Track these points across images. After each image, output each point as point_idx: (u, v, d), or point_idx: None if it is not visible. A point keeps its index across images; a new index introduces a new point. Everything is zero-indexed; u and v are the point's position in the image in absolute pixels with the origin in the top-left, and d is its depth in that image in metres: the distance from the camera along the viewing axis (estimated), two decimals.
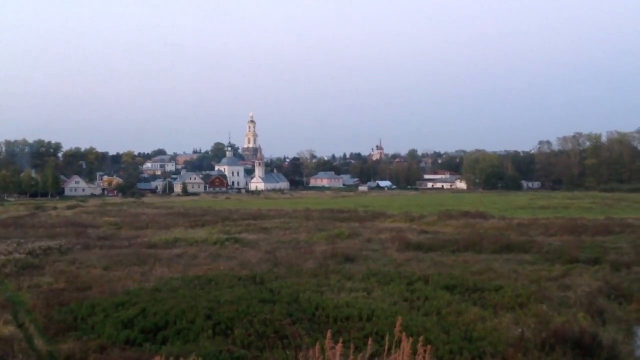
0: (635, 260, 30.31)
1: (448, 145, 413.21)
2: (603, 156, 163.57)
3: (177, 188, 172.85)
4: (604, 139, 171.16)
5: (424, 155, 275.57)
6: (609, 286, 24.07)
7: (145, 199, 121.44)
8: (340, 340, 8.95)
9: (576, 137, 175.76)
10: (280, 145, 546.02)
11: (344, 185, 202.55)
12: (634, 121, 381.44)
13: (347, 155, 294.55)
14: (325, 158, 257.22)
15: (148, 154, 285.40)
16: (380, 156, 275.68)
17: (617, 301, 22.37)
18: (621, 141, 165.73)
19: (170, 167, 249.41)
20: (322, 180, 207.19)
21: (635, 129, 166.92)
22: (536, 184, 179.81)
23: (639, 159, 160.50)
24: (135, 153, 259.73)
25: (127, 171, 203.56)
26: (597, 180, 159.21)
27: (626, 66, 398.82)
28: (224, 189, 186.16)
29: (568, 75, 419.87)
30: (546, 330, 15.94)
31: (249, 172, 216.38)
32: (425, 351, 7.54)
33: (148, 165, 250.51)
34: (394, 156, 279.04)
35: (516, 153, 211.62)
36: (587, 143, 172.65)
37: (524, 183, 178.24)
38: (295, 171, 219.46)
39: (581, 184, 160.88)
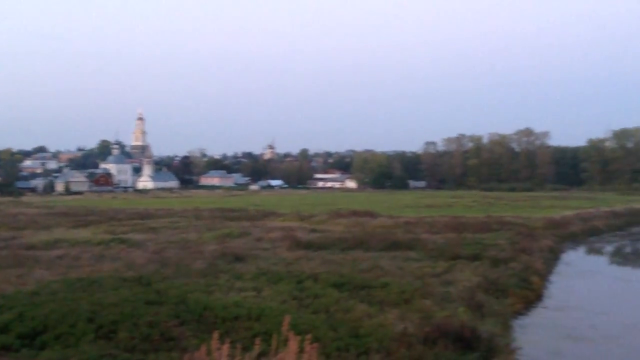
0: (512, 256, 31.96)
1: (339, 145, 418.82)
2: (484, 157, 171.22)
3: (60, 187, 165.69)
4: (485, 140, 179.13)
5: (316, 155, 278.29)
6: (487, 281, 25.25)
7: (24, 199, 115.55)
8: (227, 340, 8.89)
9: (460, 138, 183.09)
10: (170, 144, 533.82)
11: (235, 184, 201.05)
12: (513, 123, 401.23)
13: (239, 154, 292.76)
14: (217, 157, 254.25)
15: (28, 151, 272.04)
16: (272, 155, 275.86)
17: (495, 295, 23.52)
18: (501, 143, 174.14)
19: (52, 165, 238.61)
20: (213, 179, 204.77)
21: (514, 131, 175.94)
22: (422, 184, 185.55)
23: (516, 160, 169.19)
24: (14, 150, 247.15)
25: (4, 169, 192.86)
26: (479, 180, 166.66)
27: (505, 69, 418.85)
28: (109, 187, 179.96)
29: (452, 78, 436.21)
30: (429, 324, 16.49)
31: (137, 171, 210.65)
32: (312, 349, 7.61)
33: (28, 163, 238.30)
34: (286, 155, 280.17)
35: (404, 153, 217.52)
36: (470, 144, 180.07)
37: (411, 182, 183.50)
38: (185, 170, 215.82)
39: (464, 184, 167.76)
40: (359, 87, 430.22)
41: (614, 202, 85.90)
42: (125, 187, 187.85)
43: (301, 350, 7.88)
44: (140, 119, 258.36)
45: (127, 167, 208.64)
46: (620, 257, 44.47)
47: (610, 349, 19.94)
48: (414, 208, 71.33)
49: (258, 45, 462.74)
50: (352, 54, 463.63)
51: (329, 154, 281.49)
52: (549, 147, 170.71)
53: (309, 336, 8.12)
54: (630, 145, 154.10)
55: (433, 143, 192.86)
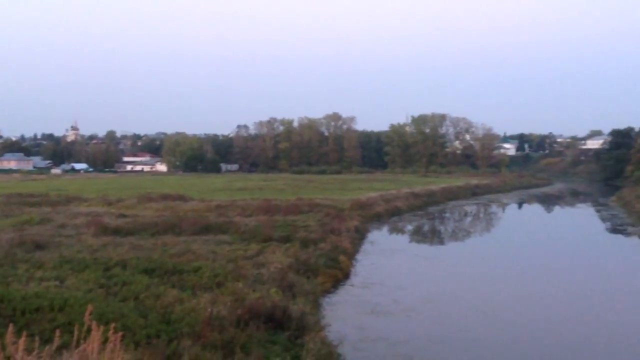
0: (322, 237, 33.01)
1: (148, 127, 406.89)
2: (295, 140, 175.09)
3: None
4: (295, 124, 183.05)
5: (124, 137, 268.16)
6: (298, 262, 25.87)
7: None
8: (24, 334, 8.24)
9: (271, 122, 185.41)
10: None
11: (35, 167, 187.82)
12: (322, 108, 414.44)
13: (39, 136, 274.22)
14: (14, 138, 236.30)
15: None
16: (76, 137, 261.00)
17: (305, 275, 24.14)
18: (310, 126, 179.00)
19: None
20: (9, 162, 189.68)
21: (323, 116, 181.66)
22: (235, 167, 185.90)
23: (325, 144, 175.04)
24: None
25: None
26: (290, 163, 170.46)
27: (315, 56, 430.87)
28: None
29: (262, 61, 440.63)
30: (241, 307, 16.53)
31: None
32: (116, 338, 7.25)
33: None
34: (91, 137, 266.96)
35: (215, 136, 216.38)
36: (281, 128, 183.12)
37: (223, 166, 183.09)
38: None
39: (276, 167, 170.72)
40: (168, 68, 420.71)
41: (414, 183, 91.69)
42: None
43: (106, 340, 7.49)
44: None
45: None
46: (419, 236, 47.68)
47: (409, 321, 21.29)
48: (226, 191, 71.24)
49: (57, 21, 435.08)
50: (158, 34, 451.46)
51: (137, 137, 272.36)
52: (355, 131, 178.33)
53: (112, 325, 7.71)
54: (427, 130, 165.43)
55: (245, 126, 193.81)
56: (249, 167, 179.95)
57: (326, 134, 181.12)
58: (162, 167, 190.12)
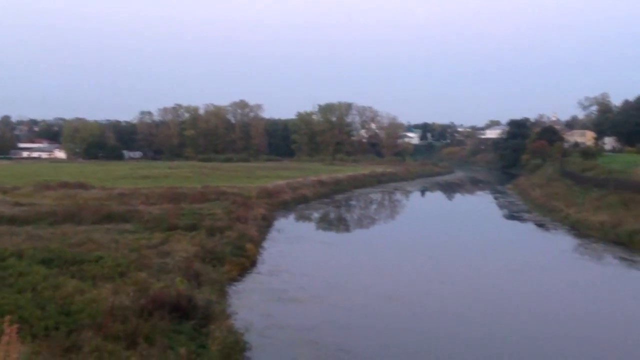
0: (228, 225, 32.81)
1: (46, 112, 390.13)
2: (201, 127, 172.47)
3: None
4: (201, 111, 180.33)
5: (19, 123, 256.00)
6: (204, 250, 25.65)
7: None
8: None
9: (176, 108, 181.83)
10: None
11: None
12: (229, 95, 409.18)
13: None
14: None
15: None
16: None
17: (212, 264, 23.97)
18: (217, 114, 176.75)
19: None
20: None
21: (229, 103, 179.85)
22: (138, 154, 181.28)
23: (232, 131, 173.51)
24: None
25: None
26: (196, 151, 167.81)
27: (219, 42, 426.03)
28: None
29: (165, 48, 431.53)
30: (145, 297, 16.21)
31: None
32: (12, 330, 6.94)
33: None
34: None
35: (118, 123, 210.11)
36: (186, 115, 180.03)
37: (126, 153, 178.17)
38: None
39: (181, 154, 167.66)
40: (68, 52, 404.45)
41: (321, 171, 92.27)
42: None
43: (1, 333, 7.15)
44: None
45: None
46: (325, 223, 48.17)
47: (316, 307, 21.53)
48: (130, 179, 69.43)
49: None
50: (55, 11, 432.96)
51: (34, 122, 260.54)
52: (262, 119, 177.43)
53: (9, 317, 7.38)
54: (334, 118, 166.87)
55: (149, 113, 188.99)
56: (153, 155, 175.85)
57: (233, 121, 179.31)
58: (61, 154, 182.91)
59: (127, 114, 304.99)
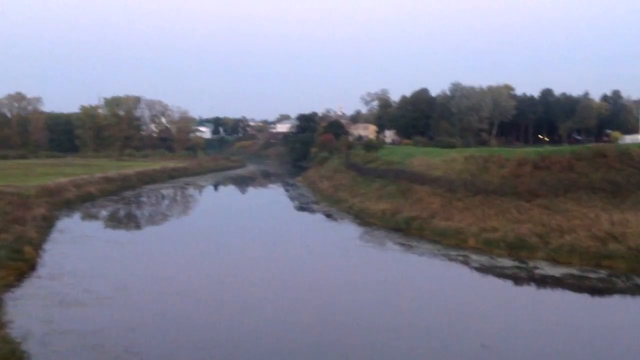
0: (3, 228, 30.66)
1: None
2: None
3: None
4: None
5: None
6: None
7: None
8: None
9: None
10: None
11: None
12: (3, 87, 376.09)
13: None
14: None
15: None
16: None
17: None
18: None
19: None
20: None
21: (4, 95, 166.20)
22: None
23: (7, 125, 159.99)
24: None
25: None
26: None
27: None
28: None
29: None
30: None
31: None
32: None
33: None
34: None
35: None
36: None
37: None
38: None
39: None
40: None
41: (108, 168, 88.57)
42: None
43: None
44: None
45: None
46: (113, 221, 46.36)
47: (103, 310, 20.62)
48: None
49: None
50: None
51: None
52: (42, 113, 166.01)
53: None
54: (121, 112, 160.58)
55: None
56: None
57: (9, 115, 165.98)
58: None
59: None
